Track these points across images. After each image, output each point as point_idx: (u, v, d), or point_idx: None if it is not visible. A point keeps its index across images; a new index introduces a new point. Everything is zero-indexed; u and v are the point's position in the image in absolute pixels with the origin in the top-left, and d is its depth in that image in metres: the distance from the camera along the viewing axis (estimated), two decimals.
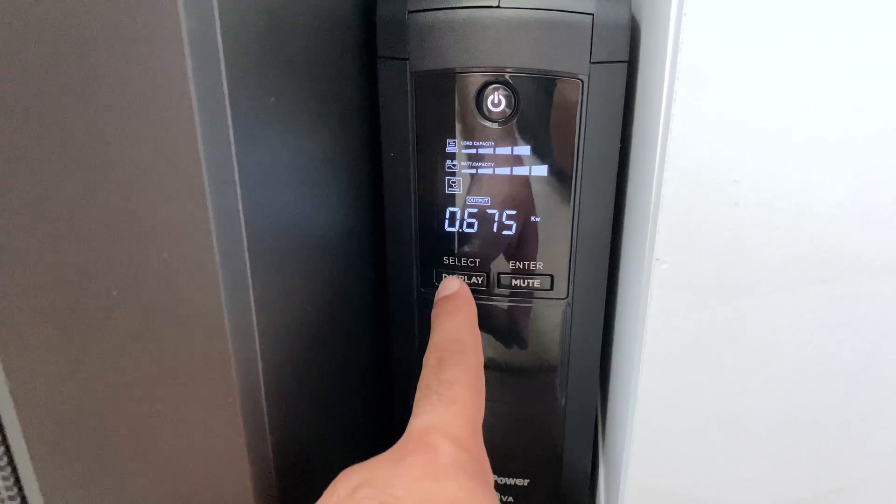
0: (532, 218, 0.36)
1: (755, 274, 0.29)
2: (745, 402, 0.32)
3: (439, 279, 0.38)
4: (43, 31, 0.19)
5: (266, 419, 0.25)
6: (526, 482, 0.43)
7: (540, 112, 0.34)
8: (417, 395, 0.28)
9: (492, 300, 0.38)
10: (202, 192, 0.20)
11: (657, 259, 0.28)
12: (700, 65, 0.26)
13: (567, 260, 0.37)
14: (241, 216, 0.22)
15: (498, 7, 0.33)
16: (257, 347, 0.24)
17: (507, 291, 0.38)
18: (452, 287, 0.36)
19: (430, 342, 0.32)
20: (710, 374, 0.31)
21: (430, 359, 0.30)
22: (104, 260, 0.21)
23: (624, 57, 0.33)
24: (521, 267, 0.38)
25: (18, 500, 0.24)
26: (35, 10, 0.18)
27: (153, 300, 0.21)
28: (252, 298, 0.23)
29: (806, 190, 0.27)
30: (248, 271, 0.23)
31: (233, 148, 0.21)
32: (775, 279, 0.29)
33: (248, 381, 0.23)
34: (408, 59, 0.34)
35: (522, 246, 0.37)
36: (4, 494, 0.24)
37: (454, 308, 0.34)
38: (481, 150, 0.35)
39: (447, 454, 0.25)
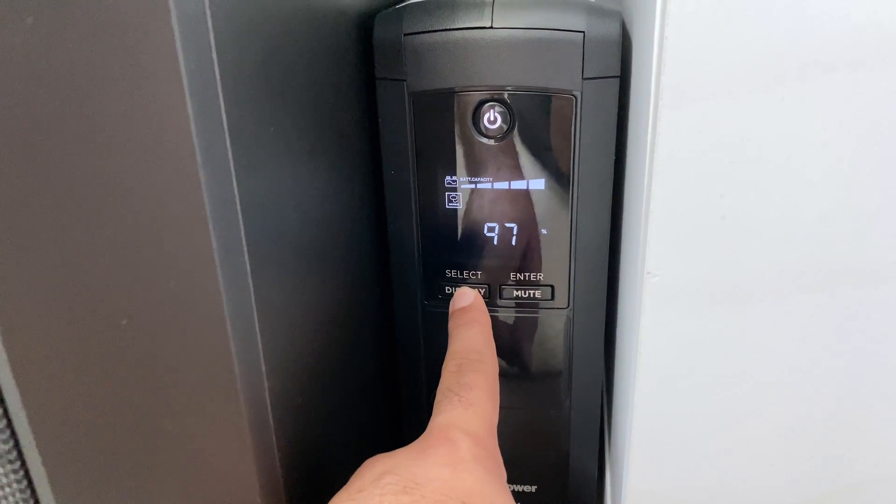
0: (531, 230, 0.37)
1: (744, 285, 0.29)
2: (739, 408, 0.32)
3: (442, 292, 0.39)
4: (46, 74, 0.20)
5: (273, 437, 0.25)
6: (533, 489, 0.44)
7: (536, 128, 0.35)
8: (438, 397, 0.30)
9: (494, 311, 0.39)
10: (205, 221, 0.21)
11: (648, 272, 0.29)
12: (683, 83, 0.26)
13: (567, 271, 0.38)
14: (244, 242, 0.23)
15: (491, 28, 0.33)
16: (263, 369, 0.25)
17: (509, 302, 0.39)
18: (468, 299, 0.37)
19: (448, 351, 0.33)
20: (705, 382, 0.32)
21: (449, 365, 0.32)
22: (113, 292, 0.22)
23: (616, 72, 0.34)
24: (523, 278, 0.38)
25: None
26: (36, 54, 0.19)
27: (161, 327, 0.22)
28: (257, 322, 0.24)
29: (790, 202, 0.28)
30: (252, 295, 0.24)
31: (233, 178, 0.22)
32: (765, 289, 0.29)
33: (254, 401, 0.24)
34: (405, 80, 0.35)
35: (523, 258, 0.38)
36: None
37: (471, 320, 0.35)
38: (479, 166, 0.36)
39: (466, 448, 0.27)
